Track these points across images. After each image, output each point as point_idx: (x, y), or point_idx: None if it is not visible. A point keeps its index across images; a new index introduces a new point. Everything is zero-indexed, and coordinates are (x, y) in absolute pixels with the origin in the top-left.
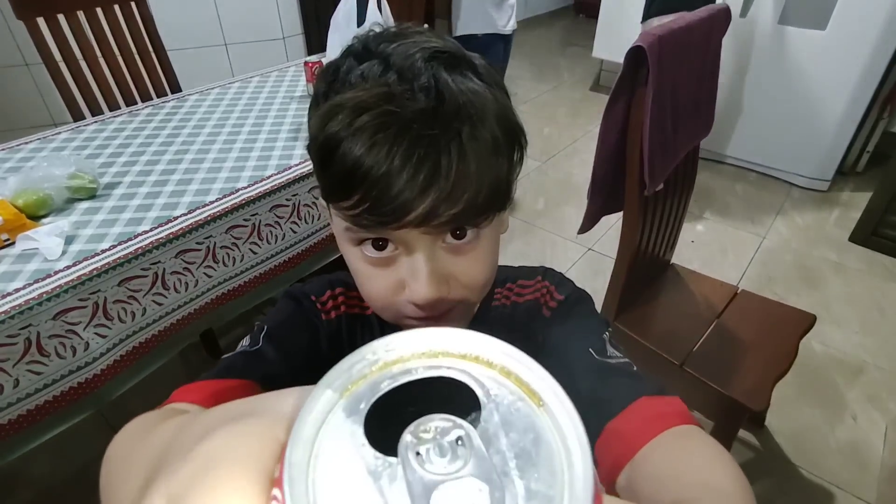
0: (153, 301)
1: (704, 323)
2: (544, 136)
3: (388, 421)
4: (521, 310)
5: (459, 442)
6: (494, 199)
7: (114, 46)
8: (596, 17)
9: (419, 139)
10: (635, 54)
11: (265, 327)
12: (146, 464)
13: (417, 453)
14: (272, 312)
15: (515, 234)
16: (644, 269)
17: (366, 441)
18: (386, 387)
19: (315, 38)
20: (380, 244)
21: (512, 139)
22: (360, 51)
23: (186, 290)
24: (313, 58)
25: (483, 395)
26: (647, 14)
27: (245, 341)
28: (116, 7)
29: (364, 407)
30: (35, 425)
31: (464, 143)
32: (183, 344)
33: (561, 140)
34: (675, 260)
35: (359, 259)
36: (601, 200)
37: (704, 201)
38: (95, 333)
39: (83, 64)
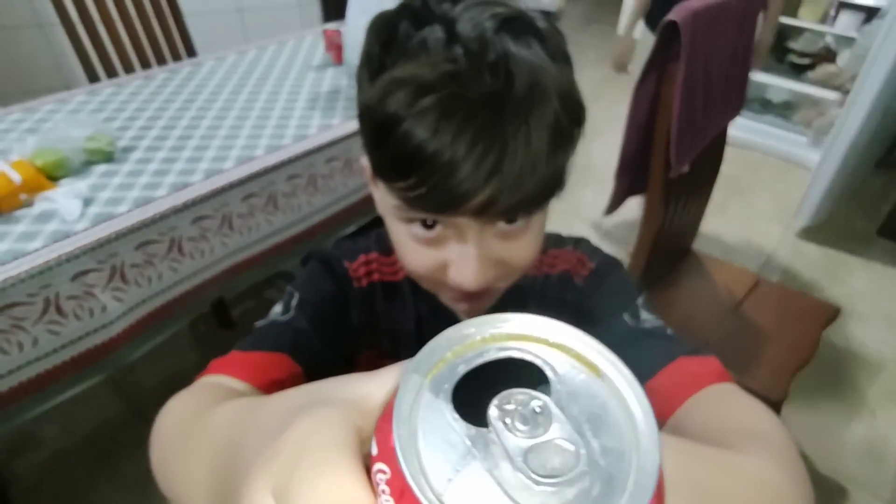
0: (169, 267)
1: (724, 310)
2: None
3: (470, 397)
4: (553, 280)
5: (538, 410)
6: (554, 187)
7: (130, 7)
8: None
9: (485, 126)
10: (668, 29)
11: (296, 294)
12: (212, 449)
13: (504, 423)
14: (304, 278)
15: None
16: (665, 253)
17: (457, 415)
18: (462, 370)
19: (330, 4)
20: (429, 225)
21: (574, 120)
22: (420, 9)
23: (202, 257)
24: (331, 26)
25: (549, 371)
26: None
27: (277, 308)
28: None
29: (448, 387)
30: (52, 385)
31: (530, 131)
32: (197, 311)
33: None
34: (696, 246)
35: (404, 234)
36: (628, 181)
37: (730, 189)
38: (113, 297)
39: (100, 25)
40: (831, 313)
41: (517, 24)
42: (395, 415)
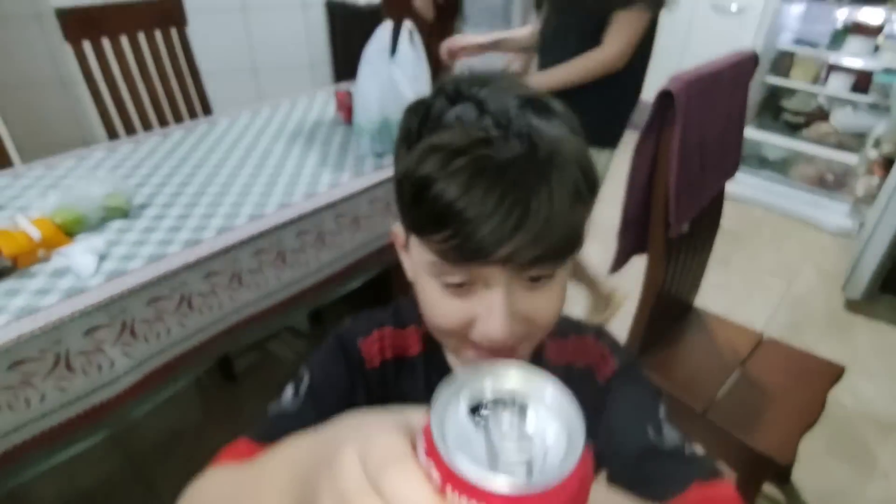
0: (178, 322)
1: (728, 370)
2: None
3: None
4: (576, 374)
5: (516, 413)
6: (574, 243)
7: (151, 68)
8: None
9: (511, 185)
10: (664, 97)
11: (306, 378)
12: (287, 467)
13: (492, 417)
14: (318, 358)
15: None
16: (667, 311)
17: (467, 411)
18: (473, 401)
19: (341, 65)
20: (459, 283)
21: (590, 185)
22: (453, 93)
23: (211, 312)
24: (342, 87)
25: (529, 403)
26: None
27: (289, 391)
28: (158, 32)
29: (464, 403)
30: (57, 442)
31: (552, 190)
32: (203, 367)
33: None
34: (698, 303)
35: (435, 289)
36: (631, 240)
37: (731, 244)
38: (122, 352)
39: (122, 85)
40: (836, 372)
41: (538, 103)
42: (432, 410)
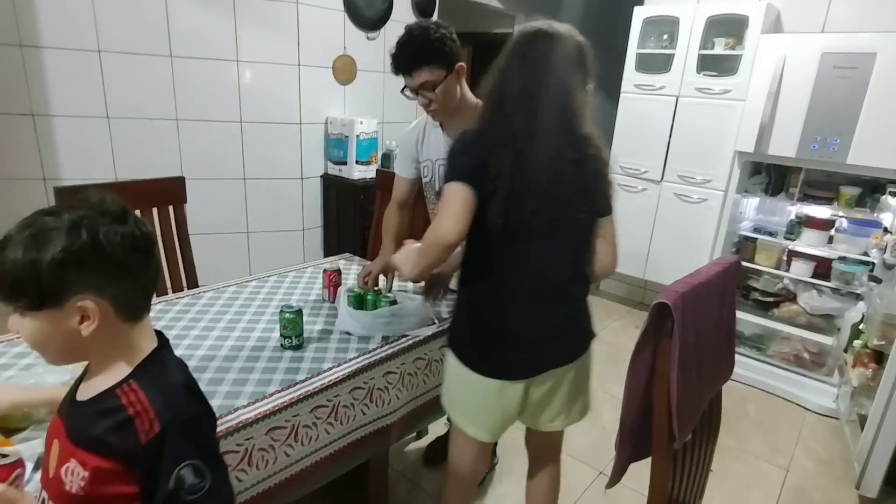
0: None
1: None
2: None
3: None
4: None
5: None
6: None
7: None
8: None
9: None
10: (659, 309)
11: None
12: None
13: None
14: None
15: (520, 449)
16: None
17: None
18: None
19: (332, 233)
20: None
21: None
22: None
23: None
24: (330, 265)
25: None
26: None
27: None
28: (154, 210)
29: None
30: None
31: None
32: None
33: None
34: None
35: None
36: (629, 449)
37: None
38: None
39: None
40: None
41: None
42: None
